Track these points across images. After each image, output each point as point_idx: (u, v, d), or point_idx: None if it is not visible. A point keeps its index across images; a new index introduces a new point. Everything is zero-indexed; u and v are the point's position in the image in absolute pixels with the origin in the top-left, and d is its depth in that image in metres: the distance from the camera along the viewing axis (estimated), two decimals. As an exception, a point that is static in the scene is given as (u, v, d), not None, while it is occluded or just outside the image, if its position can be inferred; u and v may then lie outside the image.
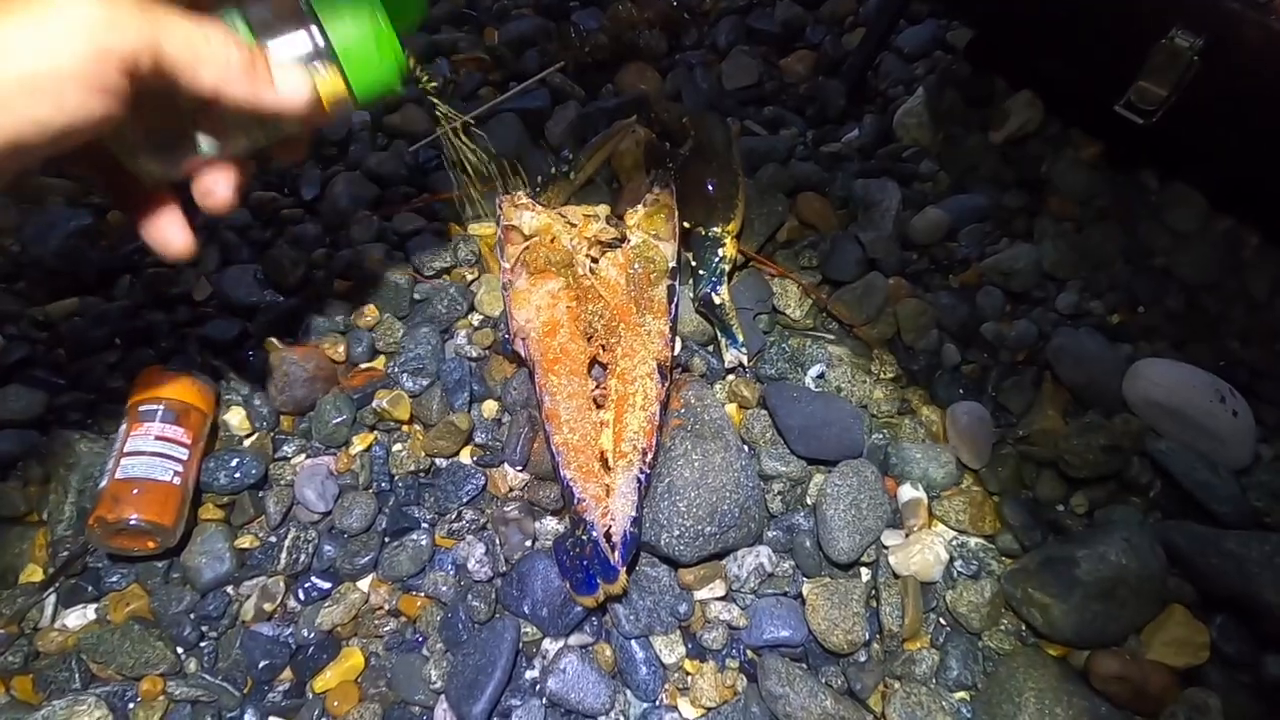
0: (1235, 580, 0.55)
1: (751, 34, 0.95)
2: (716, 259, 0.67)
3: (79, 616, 0.57)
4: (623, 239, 0.65)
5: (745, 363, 0.66)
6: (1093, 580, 0.55)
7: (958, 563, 0.59)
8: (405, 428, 0.66)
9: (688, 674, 0.55)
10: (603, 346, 0.62)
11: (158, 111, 0.38)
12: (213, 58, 0.35)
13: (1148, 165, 0.77)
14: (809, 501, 0.62)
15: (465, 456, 0.64)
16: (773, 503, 0.61)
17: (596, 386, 0.60)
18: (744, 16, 0.96)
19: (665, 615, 0.56)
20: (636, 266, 0.64)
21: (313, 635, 0.56)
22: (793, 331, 0.71)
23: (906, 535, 0.60)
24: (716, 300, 0.66)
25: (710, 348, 0.69)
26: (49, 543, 0.59)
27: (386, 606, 0.58)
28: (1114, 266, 0.73)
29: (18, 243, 0.73)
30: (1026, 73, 0.82)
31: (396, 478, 0.63)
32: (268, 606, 0.58)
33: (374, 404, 0.65)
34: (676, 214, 0.67)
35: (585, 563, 0.53)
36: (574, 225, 0.65)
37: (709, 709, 0.54)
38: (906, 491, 0.62)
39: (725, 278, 0.67)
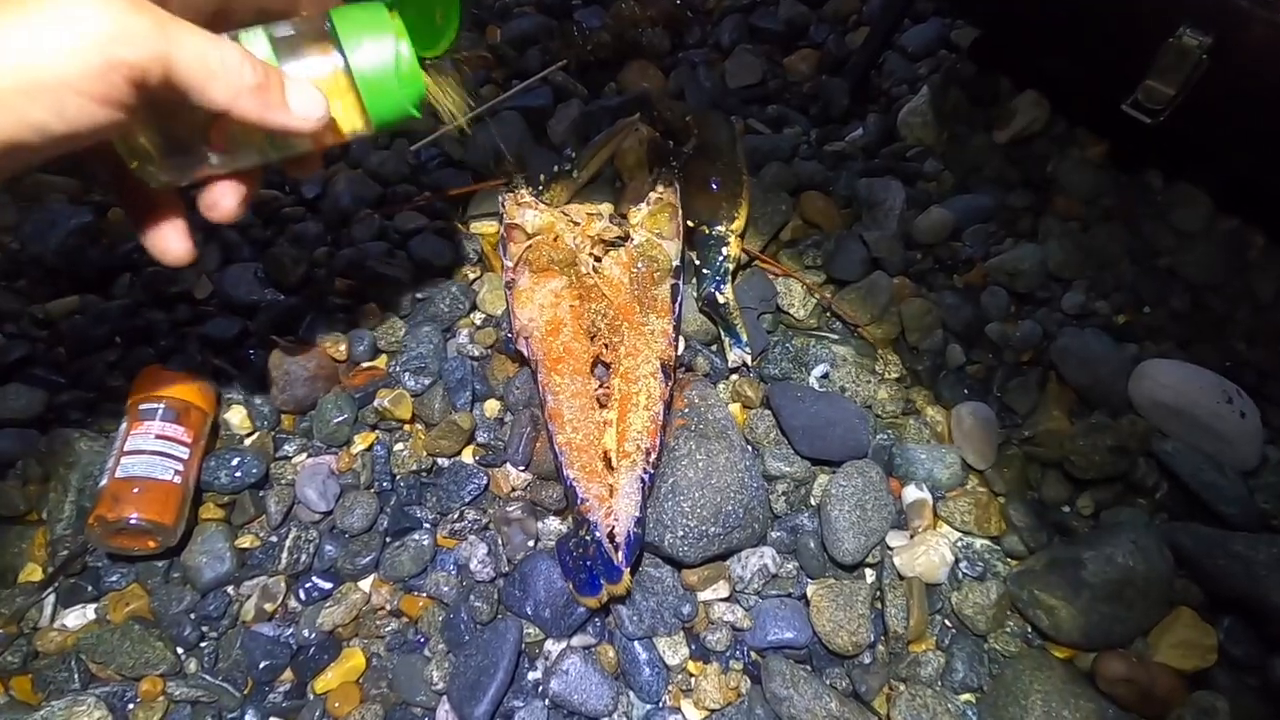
0: (1243, 582, 0.55)
1: (755, 32, 0.94)
2: (720, 258, 0.67)
3: (78, 616, 0.57)
4: (626, 237, 0.65)
5: (749, 362, 0.66)
6: (1099, 582, 0.54)
7: (963, 564, 0.59)
8: (407, 427, 0.65)
9: (691, 675, 0.55)
10: (606, 346, 0.61)
11: (168, 122, 0.38)
12: (225, 75, 0.35)
13: (1153, 165, 0.77)
14: (813, 502, 0.61)
15: (467, 456, 0.64)
16: (777, 503, 0.61)
17: (599, 386, 0.60)
18: (747, 15, 0.96)
19: (669, 616, 0.55)
20: (640, 265, 0.64)
21: (314, 636, 0.56)
22: (797, 331, 0.71)
23: (911, 536, 0.60)
24: (720, 299, 0.66)
25: (714, 347, 0.69)
26: (48, 542, 0.59)
27: (388, 607, 0.58)
28: (1119, 266, 0.73)
29: (18, 240, 0.73)
30: (1032, 72, 0.81)
31: (398, 477, 0.63)
32: (268, 607, 0.57)
33: (375, 403, 0.64)
34: (680, 212, 0.67)
35: (588, 563, 0.52)
36: (577, 224, 0.65)
37: (712, 711, 0.54)
38: (911, 492, 0.61)
39: (729, 277, 0.67)
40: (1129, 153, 0.77)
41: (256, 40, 0.39)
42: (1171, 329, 0.70)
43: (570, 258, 0.63)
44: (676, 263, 0.65)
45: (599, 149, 0.76)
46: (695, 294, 0.68)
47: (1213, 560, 0.56)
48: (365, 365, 0.68)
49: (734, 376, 0.67)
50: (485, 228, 0.75)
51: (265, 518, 0.61)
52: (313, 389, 0.65)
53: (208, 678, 0.54)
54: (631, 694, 0.54)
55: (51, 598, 0.57)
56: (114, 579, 0.58)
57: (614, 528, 0.53)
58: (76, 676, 0.54)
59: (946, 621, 0.57)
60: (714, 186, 0.69)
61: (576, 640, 0.56)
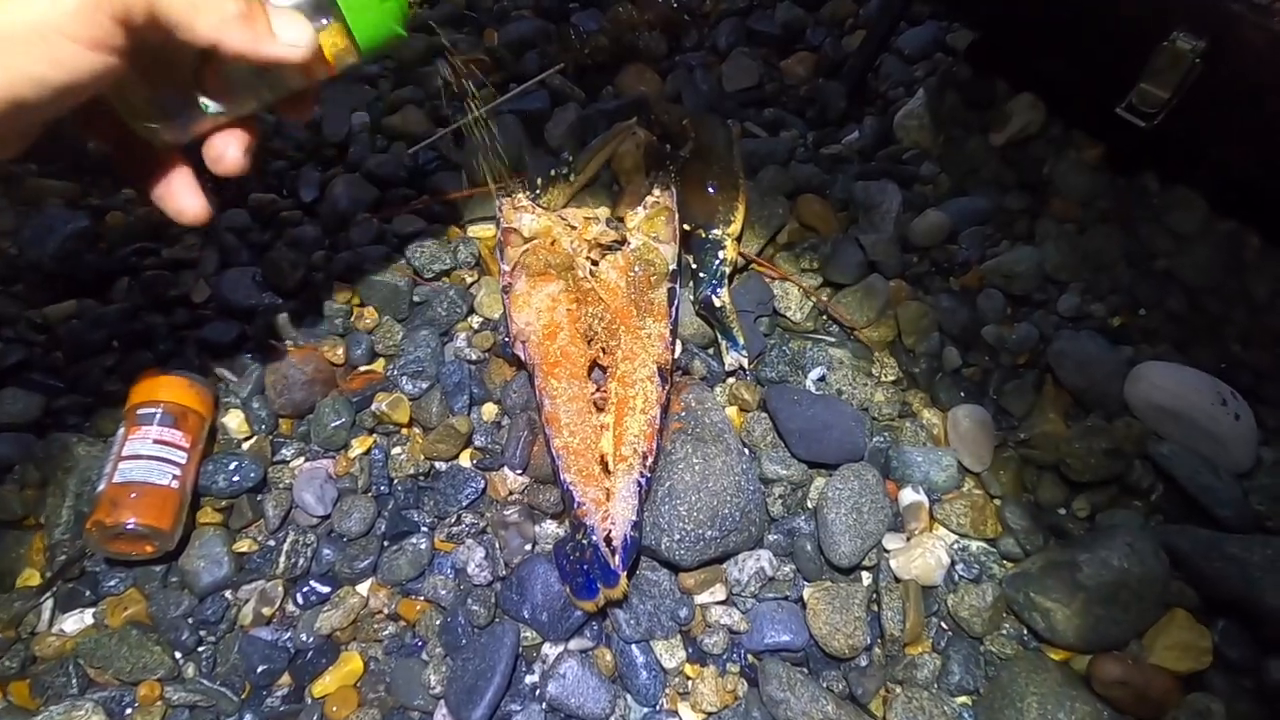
0: (1238, 584, 0.55)
1: (752, 36, 0.95)
2: (717, 261, 0.67)
3: (76, 621, 0.57)
4: (623, 241, 0.65)
5: (746, 365, 0.66)
6: (1095, 584, 0.54)
7: (959, 566, 0.59)
8: (404, 431, 0.65)
9: (688, 678, 0.55)
10: (603, 349, 0.61)
11: (159, 69, 0.37)
12: (209, 7, 0.35)
13: (1149, 167, 0.77)
14: (810, 505, 0.61)
15: (465, 460, 0.64)
16: (773, 506, 0.61)
17: (596, 390, 0.60)
18: (744, 18, 0.96)
19: (666, 619, 0.56)
20: (637, 269, 0.64)
21: (311, 640, 0.56)
22: (793, 334, 0.71)
23: (908, 539, 0.60)
24: (717, 303, 0.66)
25: (711, 350, 0.69)
26: (46, 547, 0.59)
27: (386, 611, 0.58)
28: (1115, 269, 0.73)
29: (15, 245, 0.73)
30: (1028, 75, 0.81)
31: (396, 481, 0.63)
32: (266, 611, 0.57)
33: (373, 407, 0.64)
34: (677, 216, 0.67)
35: (585, 567, 0.53)
36: (574, 228, 0.65)
37: (710, 714, 0.54)
38: (908, 495, 0.62)
39: (726, 280, 0.67)
40: (1125, 155, 0.77)
41: None
42: (1167, 331, 0.70)
43: (567, 262, 0.64)
44: (673, 266, 0.65)
45: (596, 152, 0.76)
46: (692, 297, 0.68)
47: (1208, 562, 0.56)
48: (363, 369, 0.68)
49: (731, 380, 0.67)
50: (482, 231, 0.76)
51: (263, 522, 0.61)
52: (310, 393, 0.65)
53: (205, 682, 0.55)
54: (629, 697, 0.54)
55: (49, 602, 0.57)
56: (112, 584, 0.58)
57: (611, 531, 0.53)
58: (74, 681, 0.54)
59: (943, 624, 0.58)
60: (711, 190, 0.69)
61: (574, 644, 0.56)
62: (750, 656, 0.56)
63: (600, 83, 0.90)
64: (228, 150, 0.42)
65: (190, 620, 0.56)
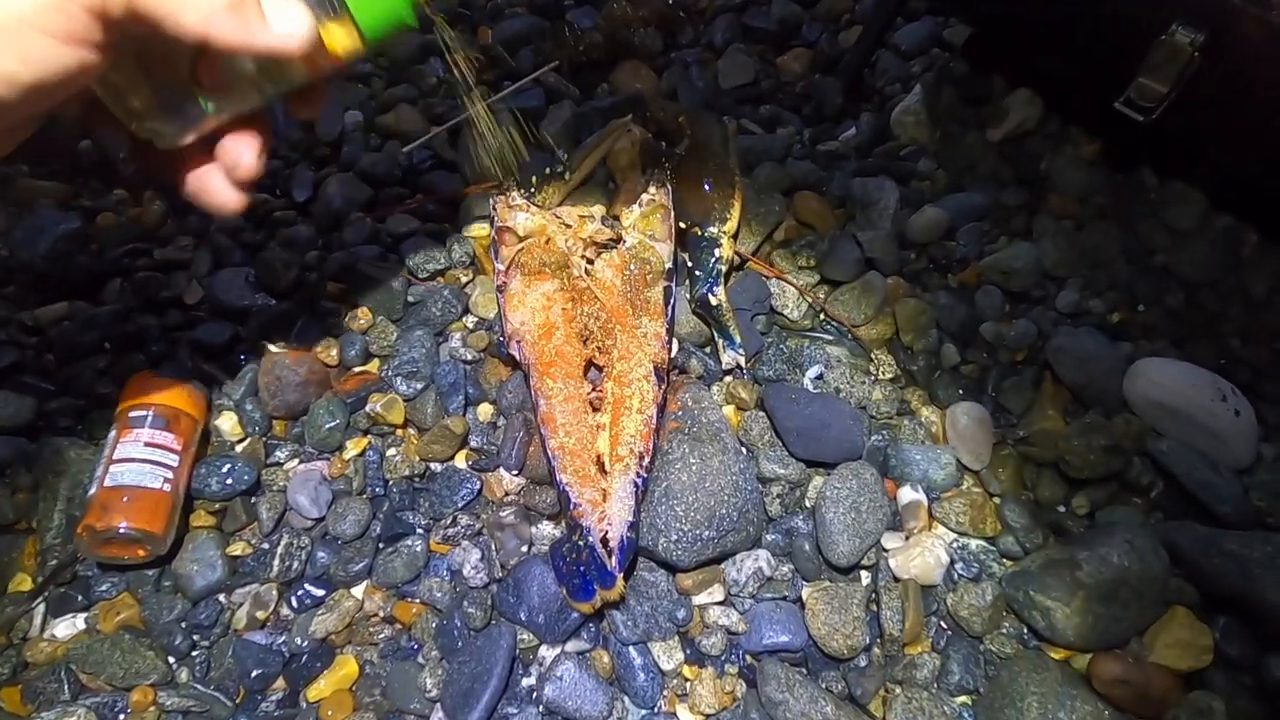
0: (1238, 581, 0.55)
1: (748, 32, 0.94)
2: (713, 260, 0.66)
3: (68, 626, 0.56)
4: (618, 240, 0.64)
5: (743, 364, 0.66)
6: (1094, 583, 0.54)
7: (958, 565, 0.59)
8: (399, 432, 0.65)
9: (686, 680, 0.55)
10: (599, 349, 0.61)
11: (153, 66, 0.36)
12: None
13: (1147, 163, 0.76)
14: (808, 504, 0.61)
15: (460, 461, 0.63)
16: (771, 506, 0.60)
17: (593, 389, 0.60)
18: (740, 14, 0.95)
19: (663, 621, 0.55)
20: (632, 268, 0.63)
21: (306, 643, 0.56)
22: (791, 332, 0.71)
23: (907, 538, 0.60)
24: (713, 301, 0.65)
25: (707, 349, 0.68)
26: (38, 551, 0.58)
27: (381, 613, 0.57)
28: (1114, 265, 0.73)
29: (6, 247, 0.72)
30: (1025, 70, 0.81)
31: (390, 483, 0.62)
32: (260, 614, 0.57)
33: (367, 408, 0.64)
34: (672, 214, 0.66)
35: (582, 568, 0.52)
36: (569, 226, 0.64)
37: (708, 715, 0.53)
38: (906, 493, 0.61)
39: (722, 278, 0.67)
40: (1122, 151, 0.77)
41: None
42: (1166, 327, 0.70)
43: (562, 260, 0.63)
44: (669, 265, 0.65)
45: (591, 150, 0.76)
46: (688, 296, 0.67)
47: (1208, 559, 0.56)
48: (357, 370, 0.68)
49: (728, 378, 0.67)
50: (477, 230, 0.75)
51: (257, 525, 0.60)
52: (304, 394, 0.65)
53: (199, 687, 0.54)
54: (626, 699, 0.54)
55: (41, 607, 0.57)
56: (104, 588, 0.57)
57: (607, 532, 0.53)
58: (66, 687, 0.53)
59: (942, 623, 0.57)
60: (706, 187, 0.68)
61: (571, 646, 0.55)
62: (749, 657, 0.56)
63: (595, 80, 0.89)
64: (241, 158, 0.40)
65: (183, 625, 0.56)
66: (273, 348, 0.68)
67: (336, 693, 0.54)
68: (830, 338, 0.70)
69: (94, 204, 0.78)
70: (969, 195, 0.77)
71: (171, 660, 0.55)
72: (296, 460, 0.64)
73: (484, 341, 0.68)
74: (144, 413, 0.57)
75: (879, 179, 0.76)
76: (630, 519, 0.53)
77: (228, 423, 0.64)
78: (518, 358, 0.62)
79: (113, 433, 0.57)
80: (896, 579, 0.58)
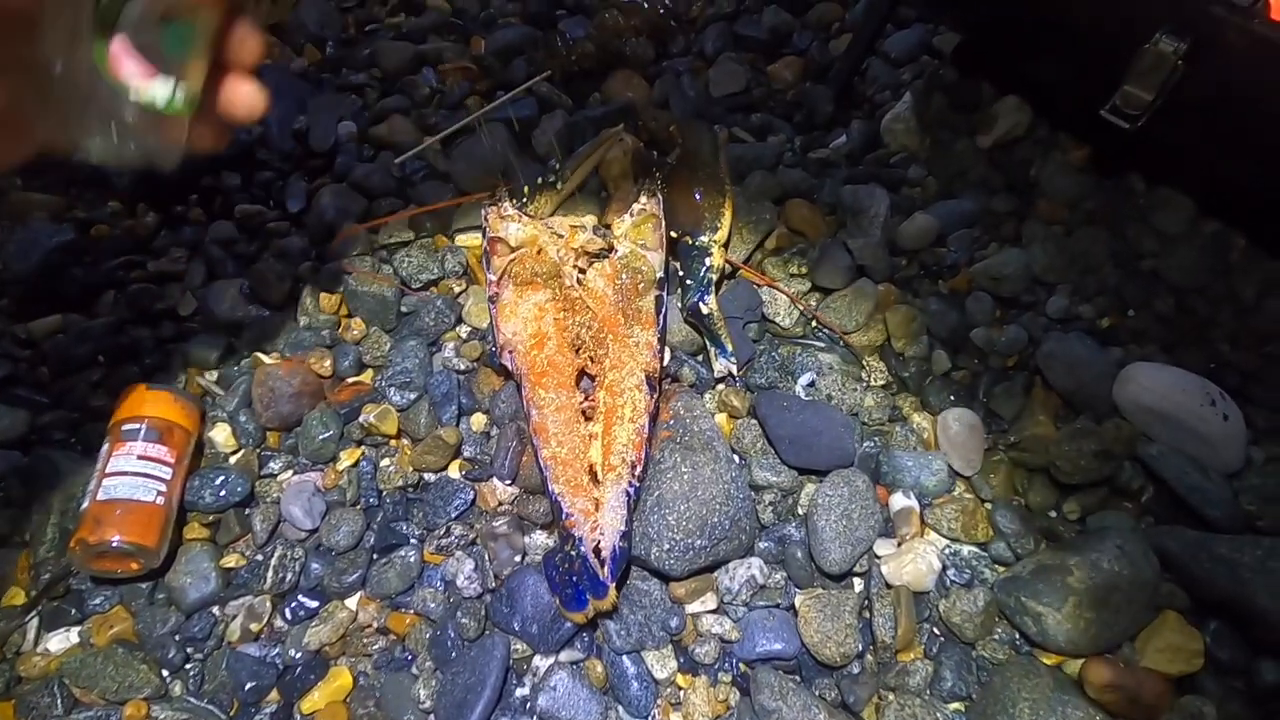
0: (1228, 585, 0.55)
1: (739, 41, 0.95)
2: (704, 268, 0.67)
3: (62, 640, 0.56)
4: (610, 249, 0.65)
5: (735, 372, 0.66)
6: (1086, 588, 0.54)
7: (950, 572, 0.59)
8: (393, 442, 0.65)
9: (680, 689, 0.55)
10: (591, 358, 0.61)
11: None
12: None
13: (1135, 169, 0.77)
14: (800, 512, 0.61)
15: (454, 471, 0.64)
16: (764, 514, 0.60)
17: (584, 399, 0.60)
18: (731, 23, 0.96)
19: (656, 630, 0.55)
20: (624, 277, 0.64)
21: (300, 655, 0.56)
22: (782, 340, 0.71)
23: (899, 544, 0.60)
24: (705, 310, 0.66)
25: (699, 357, 0.69)
26: (31, 565, 0.58)
27: (375, 625, 0.57)
28: (1103, 270, 0.73)
29: (0, 259, 0.73)
30: (1014, 77, 0.82)
31: (384, 493, 0.62)
32: (254, 626, 0.57)
33: (361, 418, 0.64)
34: (663, 223, 0.67)
35: (574, 578, 0.52)
36: (561, 236, 0.65)
37: (702, 724, 0.53)
38: (898, 500, 0.61)
39: (713, 287, 0.67)
40: (1111, 157, 0.77)
41: None
42: (1155, 332, 0.70)
43: (554, 270, 0.63)
44: (661, 274, 0.65)
45: (583, 159, 0.76)
46: (680, 305, 0.68)
47: (1198, 564, 0.56)
48: (350, 380, 0.68)
49: (720, 386, 0.67)
50: (470, 240, 0.75)
51: (250, 536, 0.60)
52: (298, 405, 0.65)
53: (193, 700, 0.54)
54: (620, 708, 0.54)
55: (34, 621, 0.57)
56: (98, 601, 0.58)
57: (599, 542, 0.53)
58: (60, 701, 0.53)
59: (934, 630, 0.57)
60: (697, 196, 0.69)
61: (564, 655, 0.55)
62: (742, 665, 0.56)
63: (587, 89, 0.90)
64: (239, 94, 0.37)
65: (177, 637, 0.56)
66: (266, 359, 0.68)
67: (330, 704, 0.54)
68: (822, 345, 0.70)
69: (88, 216, 0.79)
70: (959, 202, 0.77)
71: (165, 673, 0.55)
72: (290, 472, 0.64)
73: (477, 351, 0.68)
74: (137, 426, 0.57)
75: (869, 186, 0.77)
76: (622, 528, 0.53)
77: (221, 434, 0.64)
78: (510, 368, 0.62)
79: (106, 446, 0.57)
80: (889, 586, 0.58)
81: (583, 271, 0.64)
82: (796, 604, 0.57)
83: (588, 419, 0.59)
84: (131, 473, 0.56)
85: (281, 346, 0.69)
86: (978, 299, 0.71)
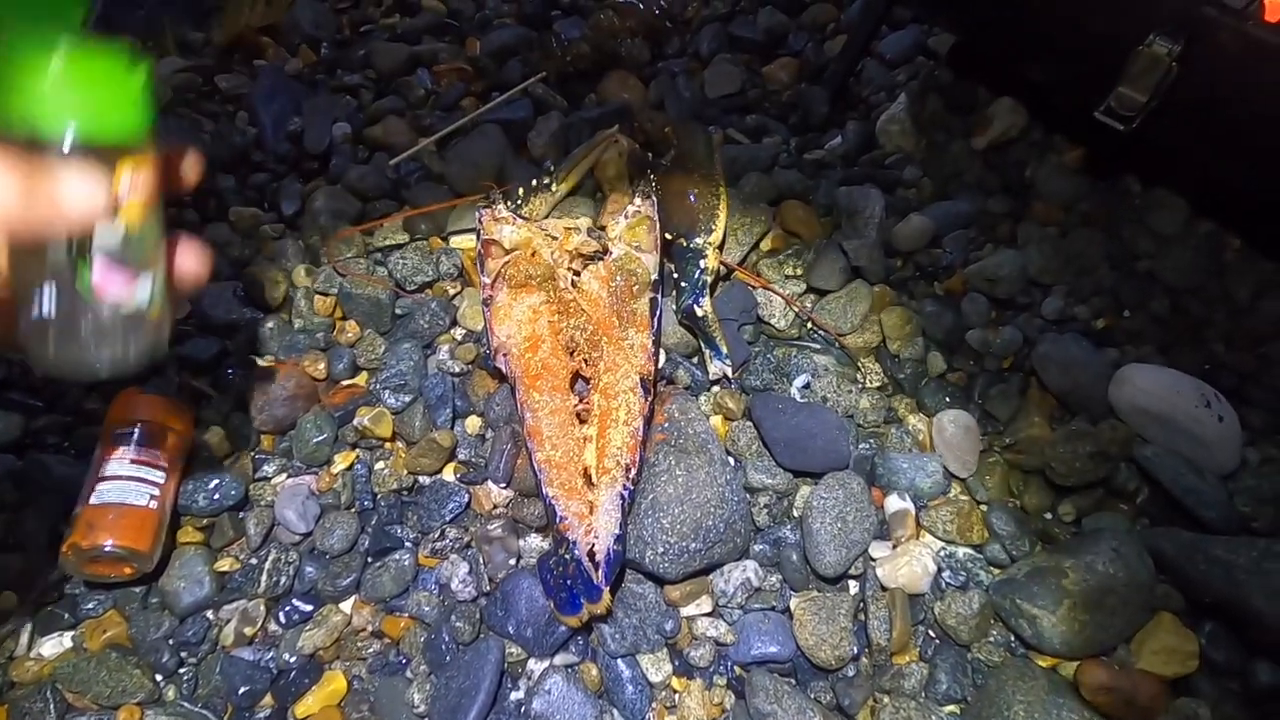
0: (1223, 586, 0.55)
1: (734, 42, 0.95)
2: (699, 271, 0.67)
3: (55, 645, 0.56)
4: (604, 251, 0.64)
5: (730, 374, 0.66)
6: (1081, 590, 0.54)
7: (946, 574, 0.59)
8: (387, 445, 0.65)
9: (675, 692, 0.55)
10: (585, 361, 0.61)
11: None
12: None
13: (1130, 170, 0.77)
14: (795, 514, 0.61)
15: (448, 474, 0.64)
16: (759, 516, 0.60)
17: (579, 402, 0.60)
18: (726, 24, 0.96)
19: (651, 633, 0.55)
20: (618, 279, 0.63)
21: (294, 659, 0.56)
22: (778, 342, 0.71)
23: (894, 547, 0.60)
24: (699, 312, 0.66)
25: (694, 360, 0.69)
26: (24, 569, 0.58)
27: (369, 628, 0.57)
28: (1098, 271, 0.73)
29: (-8, 263, 0.72)
30: (1008, 78, 0.82)
31: (379, 496, 0.62)
32: (248, 630, 0.57)
33: (355, 421, 0.64)
34: (658, 225, 0.67)
35: (569, 582, 0.52)
36: (555, 238, 0.64)
37: (696, 727, 0.53)
38: (894, 502, 0.61)
39: (708, 289, 0.67)
40: (1106, 158, 0.77)
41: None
42: (1151, 333, 0.70)
43: (548, 273, 0.63)
44: (655, 276, 0.65)
45: (578, 161, 0.76)
46: (674, 307, 0.68)
47: (1193, 565, 0.56)
48: (345, 383, 0.68)
49: (715, 389, 0.67)
50: (465, 242, 0.75)
51: (245, 540, 0.60)
52: (292, 408, 0.65)
53: (186, 705, 0.54)
54: (615, 712, 0.54)
55: (28, 626, 0.57)
56: (91, 606, 0.57)
57: (594, 546, 0.53)
58: (53, 707, 0.53)
59: (930, 632, 0.57)
60: (692, 198, 0.69)
61: (559, 659, 0.55)
62: (737, 668, 0.56)
63: (583, 90, 0.90)
64: (184, 265, 0.38)
65: (171, 642, 0.56)
66: (261, 362, 0.68)
67: (325, 709, 0.54)
68: (817, 347, 0.70)
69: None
70: (954, 203, 0.77)
71: (159, 678, 0.55)
72: (284, 475, 0.63)
73: (472, 354, 0.68)
74: (129, 430, 0.57)
75: (865, 188, 0.76)
76: (617, 532, 0.53)
77: (215, 438, 0.64)
78: (504, 370, 0.62)
79: (98, 450, 0.57)
80: (884, 588, 0.58)
81: (577, 274, 0.64)
82: (791, 607, 0.57)
83: (582, 422, 0.59)
84: (124, 477, 0.55)
85: (275, 349, 0.69)
86: (973, 300, 0.71)
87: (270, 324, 0.69)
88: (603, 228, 0.67)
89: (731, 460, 0.63)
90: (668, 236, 0.68)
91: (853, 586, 0.59)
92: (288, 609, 0.58)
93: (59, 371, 0.36)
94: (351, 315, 0.71)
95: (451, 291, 0.73)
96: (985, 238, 0.76)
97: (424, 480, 0.63)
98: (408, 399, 0.65)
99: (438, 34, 0.99)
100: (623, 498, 0.54)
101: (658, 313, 0.65)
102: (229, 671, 0.55)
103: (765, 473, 0.61)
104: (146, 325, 0.37)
